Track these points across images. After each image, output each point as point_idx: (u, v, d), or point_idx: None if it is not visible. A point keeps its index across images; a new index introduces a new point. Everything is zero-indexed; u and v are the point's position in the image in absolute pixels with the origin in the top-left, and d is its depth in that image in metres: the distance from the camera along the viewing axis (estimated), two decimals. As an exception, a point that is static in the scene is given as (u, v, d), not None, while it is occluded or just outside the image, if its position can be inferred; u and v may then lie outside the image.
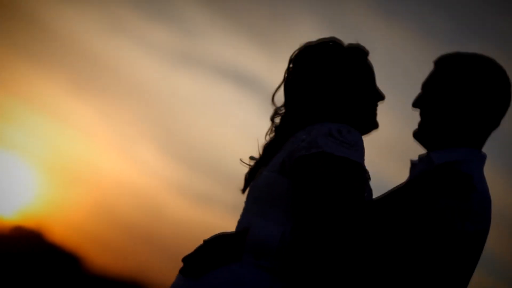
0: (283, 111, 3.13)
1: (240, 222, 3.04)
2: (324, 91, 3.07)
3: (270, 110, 3.19)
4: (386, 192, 2.90)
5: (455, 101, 3.09)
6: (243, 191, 3.13)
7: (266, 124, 3.20)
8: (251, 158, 3.16)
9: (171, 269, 3.05)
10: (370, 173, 3.06)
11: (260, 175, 3.02)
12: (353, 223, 2.78)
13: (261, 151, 3.14)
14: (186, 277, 2.92)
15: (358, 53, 3.14)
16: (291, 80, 3.13)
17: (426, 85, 3.18)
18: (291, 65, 3.15)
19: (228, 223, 3.11)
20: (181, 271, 2.96)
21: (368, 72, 3.15)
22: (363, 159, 2.93)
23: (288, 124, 3.06)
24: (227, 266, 2.87)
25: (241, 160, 3.16)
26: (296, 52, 3.16)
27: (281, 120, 3.12)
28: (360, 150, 2.91)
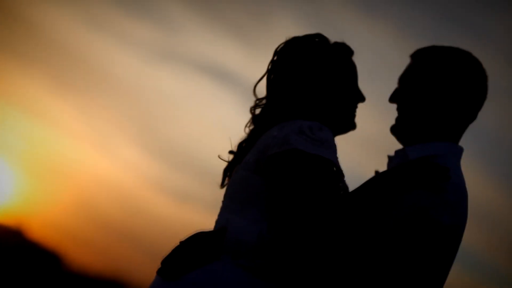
0: (264, 103, 3.13)
1: (218, 220, 3.03)
2: (306, 86, 3.06)
3: (250, 106, 3.19)
4: (359, 186, 2.89)
5: (432, 94, 3.09)
6: (222, 186, 3.13)
7: (245, 120, 3.20)
8: (230, 152, 3.15)
9: (151, 267, 3.03)
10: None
11: (235, 173, 3.01)
12: (328, 218, 2.78)
13: (236, 147, 3.13)
14: (165, 279, 2.89)
15: (343, 52, 3.14)
16: (274, 73, 3.12)
17: (402, 79, 3.18)
18: (275, 57, 3.15)
19: (208, 220, 3.11)
20: (159, 272, 2.93)
21: (351, 72, 3.14)
22: (335, 156, 2.92)
23: (267, 116, 3.06)
24: (206, 266, 2.85)
25: (219, 156, 3.16)
26: (282, 45, 3.16)
27: (261, 112, 3.12)
28: (331, 147, 2.91)
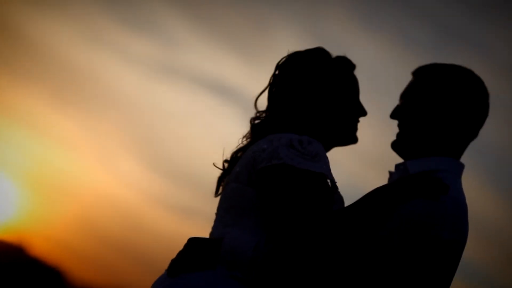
0: (264, 115, 3.13)
1: (212, 233, 3.03)
2: (307, 100, 3.06)
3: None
4: (357, 200, 2.89)
5: (433, 111, 3.09)
6: (216, 194, 3.12)
7: (246, 134, 3.19)
8: (225, 161, 3.15)
9: (152, 282, 3.04)
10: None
11: (227, 185, 3.01)
12: (319, 233, 2.77)
13: (230, 157, 3.13)
14: (167, 275, 2.93)
15: (345, 66, 3.14)
16: (275, 86, 3.13)
17: (404, 96, 3.18)
18: (277, 71, 3.15)
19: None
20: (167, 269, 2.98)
21: (352, 86, 3.15)
22: (326, 169, 2.91)
23: (266, 128, 3.06)
24: (202, 272, 2.86)
25: (214, 164, 3.15)
26: (284, 58, 3.16)
27: (260, 123, 3.12)
28: (322, 160, 2.90)
